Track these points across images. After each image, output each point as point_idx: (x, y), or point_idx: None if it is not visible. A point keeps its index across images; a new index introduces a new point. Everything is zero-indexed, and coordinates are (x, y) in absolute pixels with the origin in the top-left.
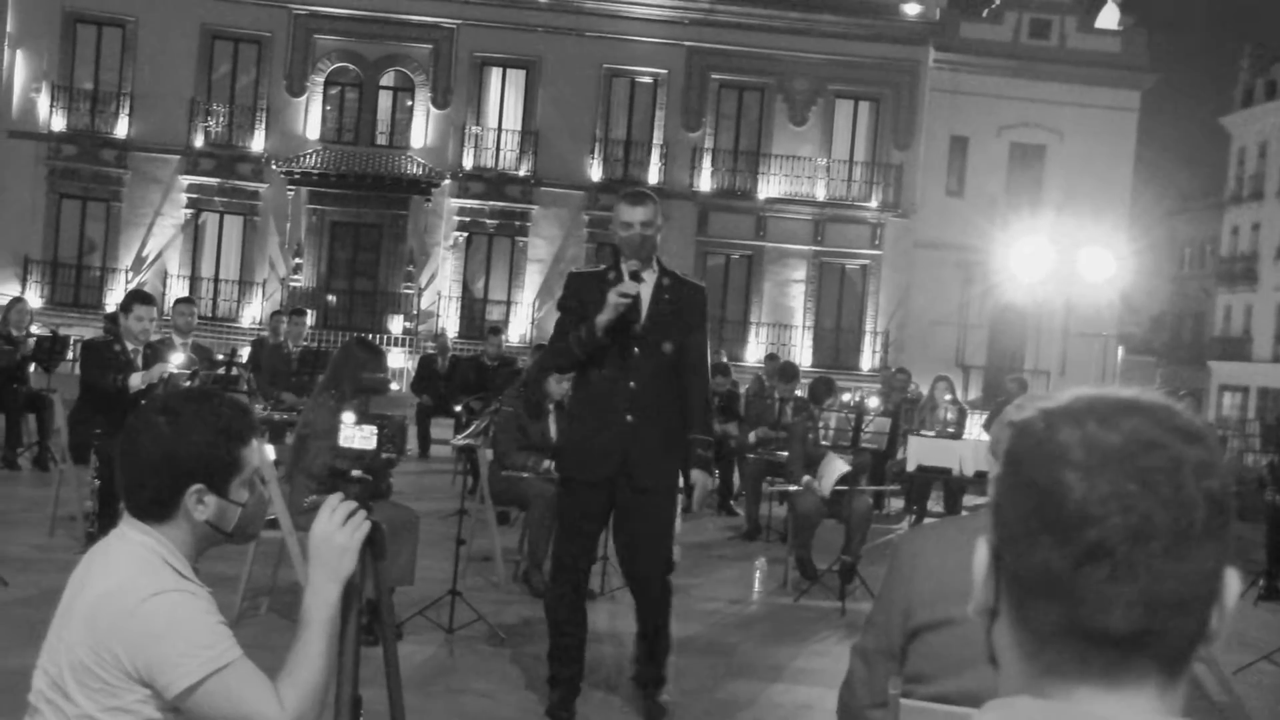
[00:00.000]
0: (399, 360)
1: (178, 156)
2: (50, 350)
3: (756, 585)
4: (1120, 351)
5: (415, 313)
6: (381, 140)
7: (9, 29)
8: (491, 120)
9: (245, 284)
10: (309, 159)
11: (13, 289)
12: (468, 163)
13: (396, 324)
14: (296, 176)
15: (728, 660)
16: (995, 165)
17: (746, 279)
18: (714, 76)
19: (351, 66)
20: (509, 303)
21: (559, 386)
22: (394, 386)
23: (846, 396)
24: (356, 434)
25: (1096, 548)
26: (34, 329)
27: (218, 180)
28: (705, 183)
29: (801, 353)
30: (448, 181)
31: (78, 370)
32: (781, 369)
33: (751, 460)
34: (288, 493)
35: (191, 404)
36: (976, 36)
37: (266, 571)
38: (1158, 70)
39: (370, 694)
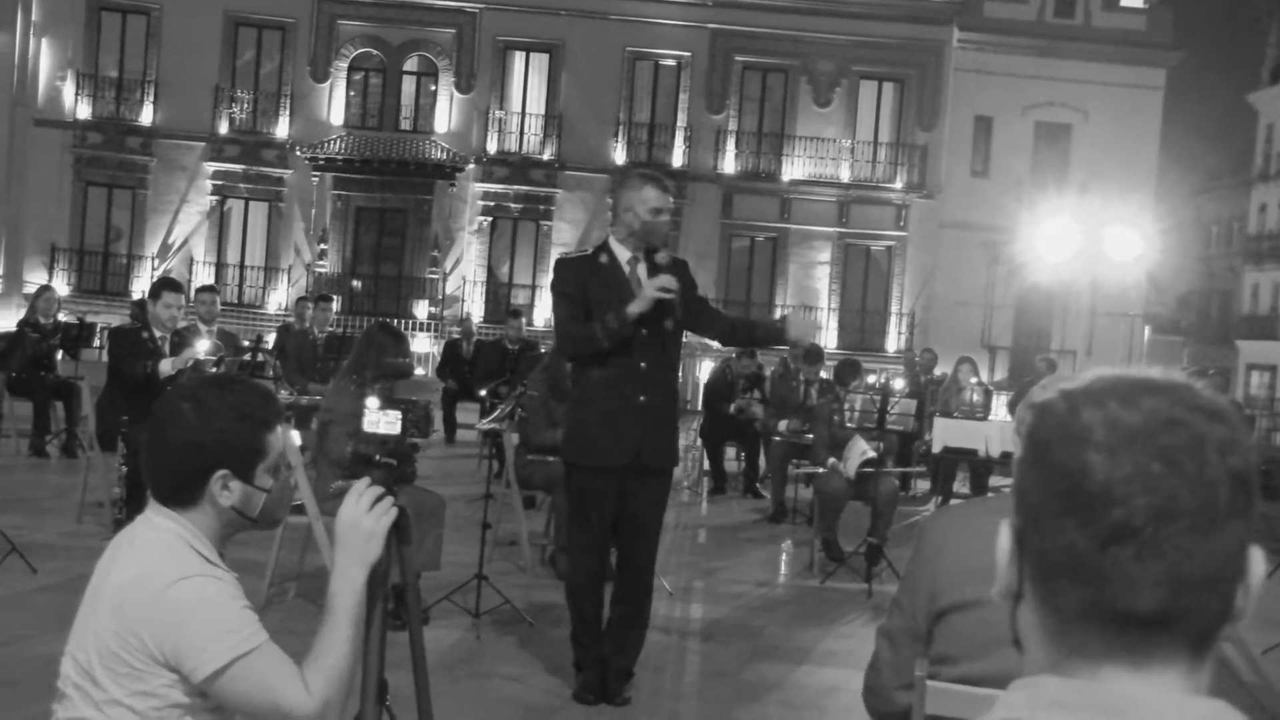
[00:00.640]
0: (424, 345)
1: (202, 143)
2: (77, 338)
3: (782, 568)
4: (1147, 331)
5: (440, 297)
6: (405, 125)
7: (34, 17)
8: (515, 104)
9: (271, 270)
10: (333, 145)
11: (40, 277)
12: (492, 147)
13: (421, 309)
14: (321, 162)
15: (754, 643)
16: (1020, 145)
17: (771, 261)
18: (738, 58)
19: (375, 52)
20: (534, 287)
21: None
22: (419, 371)
23: (872, 378)
24: (381, 419)
25: (1122, 528)
26: (61, 317)
27: (243, 167)
28: (729, 165)
29: (827, 335)
30: (472, 166)
31: (105, 357)
32: (807, 351)
33: (777, 443)
34: (313, 478)
35: (216, 390)
36: (1001, 15)
37: (293, 557)
38: (1183, 48)
39: (397, 678)
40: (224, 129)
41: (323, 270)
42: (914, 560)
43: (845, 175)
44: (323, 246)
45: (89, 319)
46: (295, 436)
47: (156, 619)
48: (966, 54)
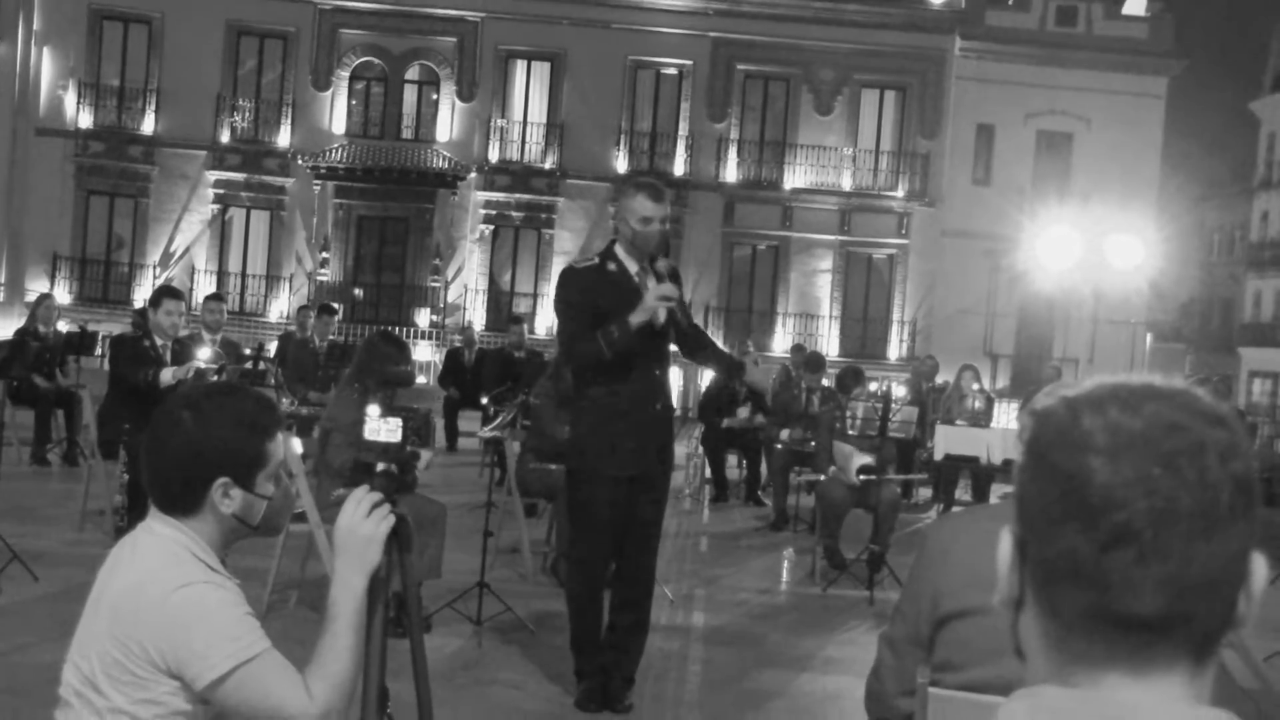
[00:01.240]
0: (426, 354)
1: (204, 152)
2: (79, 345)
3: (784, 575)
4: (1149, 339)
5: (442, 306)
6: (407, 134)
7: (36, 27)
8: (517, 113)
9: (272, 279)
10: (335, 153)
11: (42, 285)
12: (493, 156)
13: (423, 317)
14: (322, 171)
15: (756, 650)
16: (1022, 153)
17: (773, 269)
18: (739, 67)
19: (376, 61)
20: (535, 295)
21: None
22: (420, 379)
23: (874, 386)
24: (381, 427)
25: (1123, 531)
26: (61, 326)
27: (244, 175)
28: (731, 174)
29: (828, 343)
30: (473, 175)
31: (107, 366)
32: (808, 359)
33: (779, 451)
34: (314, 486)
35: (216, 398)
36: (1003, 24)
37: (294, 565)
38: (1185, 56)
39: (398, 686)
40: (226, 138)
41: (324, 279)
42: (916, 567)
43: (847, 184)
44: (324, 255)
45: (91, 327)
46: (296, 444)
47: (158, 626)
48: (968, 62)
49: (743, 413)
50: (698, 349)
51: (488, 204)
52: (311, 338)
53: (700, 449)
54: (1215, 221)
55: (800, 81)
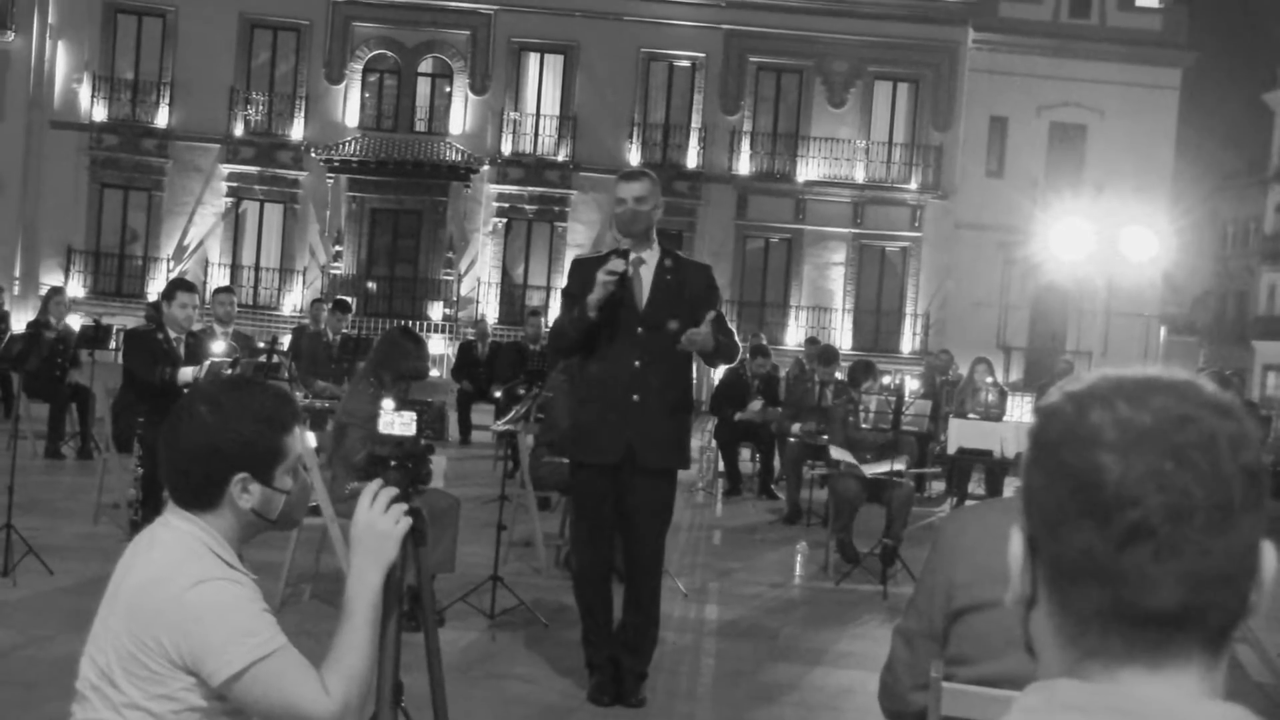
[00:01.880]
0: (439, 346)
1: (218, 145)
2: (93, 339)
3: (798, 569)
4: (1163, 332)
5: (455, 299)
6: (420, 127)
7: (51, 20)
8: (530, 105)
9: (286, 272)
10: (348, 146)
11: (56, 278)
12: (506, 148)
13: (436, 310)
14: (336, 164)
15: (769, 644)
16: (1035, 145)
17: (786, 262)
18: (752, 59)
19: (390, 53)
20: (548, 288)
21: None
22: (434, 373)
23: (887, 379)
24: (395, 420)
25: (1138, 528)
26: (72, 320)
27: (258, 169)
28: (744, 166)
29: (841, 336)
30: (486, 167)
31: (121, 359)
32: (821, 352)
33: (792, 444)
34: (329, 480)
35: (234, 392)
36: (1016, 16)
37: (309, 558)
38: (1199, 48)
39: (412, 680)
40: (239, 131)
41: (337, 272)
42: (930, 561)
43: (860, 176)
44: (338, 248)
45: (105, 321)
46: (310, 438)
47: (175, 622)
48: (981, 54)
49: (754, 405)
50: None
51: (501, 197)
52: (325, 331)
53: (713, 442)
54: (1229, 214)
55: (813, 73)
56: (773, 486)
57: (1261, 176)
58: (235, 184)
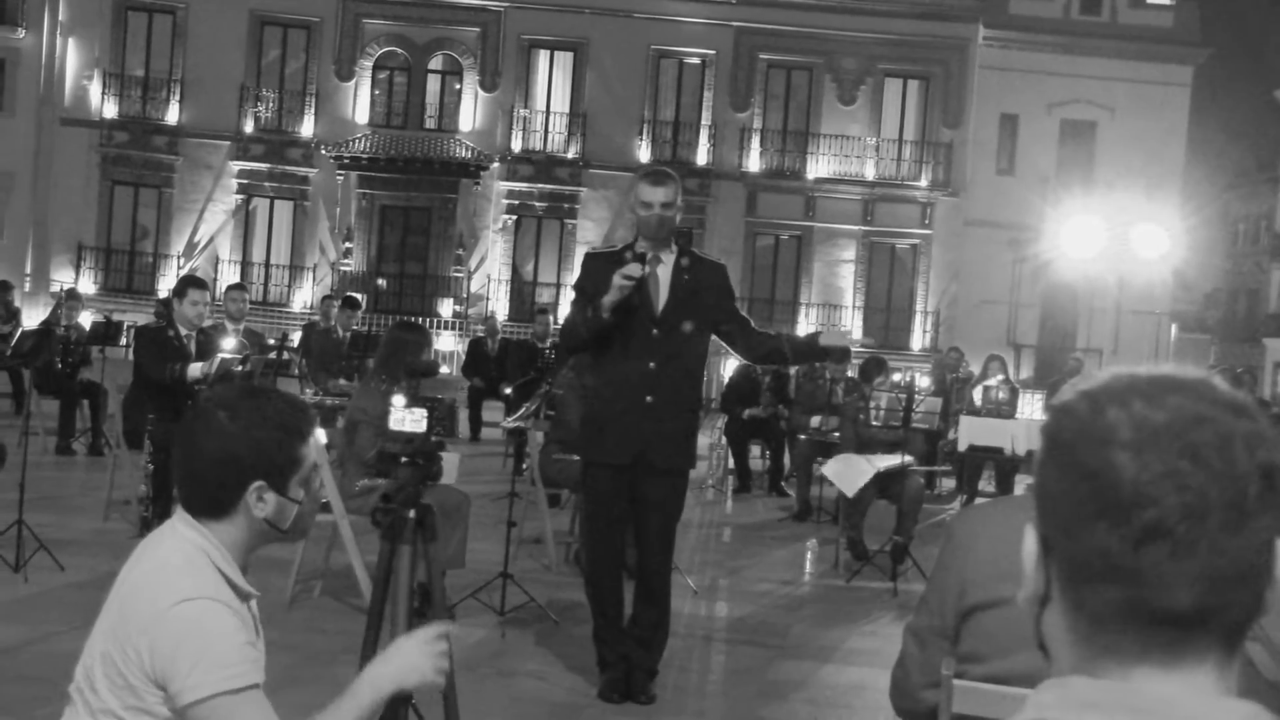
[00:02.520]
0: (449, 343)
1: (228, 142)
2: (104, 336)
3: (808, 566)
4: (1174, 329)
5: (465, 296)
6: (430, 124)
7: (61, 17)
8: (540, 103)
9: (296, 269)
10: (358, 143)
11: (67, 275)
12: (516, 145)
13: (446, 307)
14: (346, 161)
15: (780, 641)
16: (1046, 142)
17: (796, 259)
18: (762, 56)
19: (400, 50)
20: (558, 285)
21: None
22: (444, 369)
23: (897, 376)
24: (407, 417)
25: (1155, 528)
26: (84, 316)
27: (268, 165)
28: (754, 163)
29: (852, 333)
30: (496, 164)
31: (131, 356)
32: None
33: (802, 441)
34: (339, 477)
35: (251, 400)
36: (1026, 13)
37: (319, 555)
38: (1210, 45)
39: None
40: (249, 128)
41: (347, 269)
42: (942, 558)
43: (870, 173)
44: (348, 245)
45: (115, 318)
46: (320, 435)
47: (155, 634)
48: (992, 51)
49: (764, 400)
50: (766, 357)
51: (510, 194)
52: (335, 327)
53: (723, 440)
54: (1240, 211)
55: (823, 71)
56: (783, 484)
57: (1272, 174)
58: (245, 181)
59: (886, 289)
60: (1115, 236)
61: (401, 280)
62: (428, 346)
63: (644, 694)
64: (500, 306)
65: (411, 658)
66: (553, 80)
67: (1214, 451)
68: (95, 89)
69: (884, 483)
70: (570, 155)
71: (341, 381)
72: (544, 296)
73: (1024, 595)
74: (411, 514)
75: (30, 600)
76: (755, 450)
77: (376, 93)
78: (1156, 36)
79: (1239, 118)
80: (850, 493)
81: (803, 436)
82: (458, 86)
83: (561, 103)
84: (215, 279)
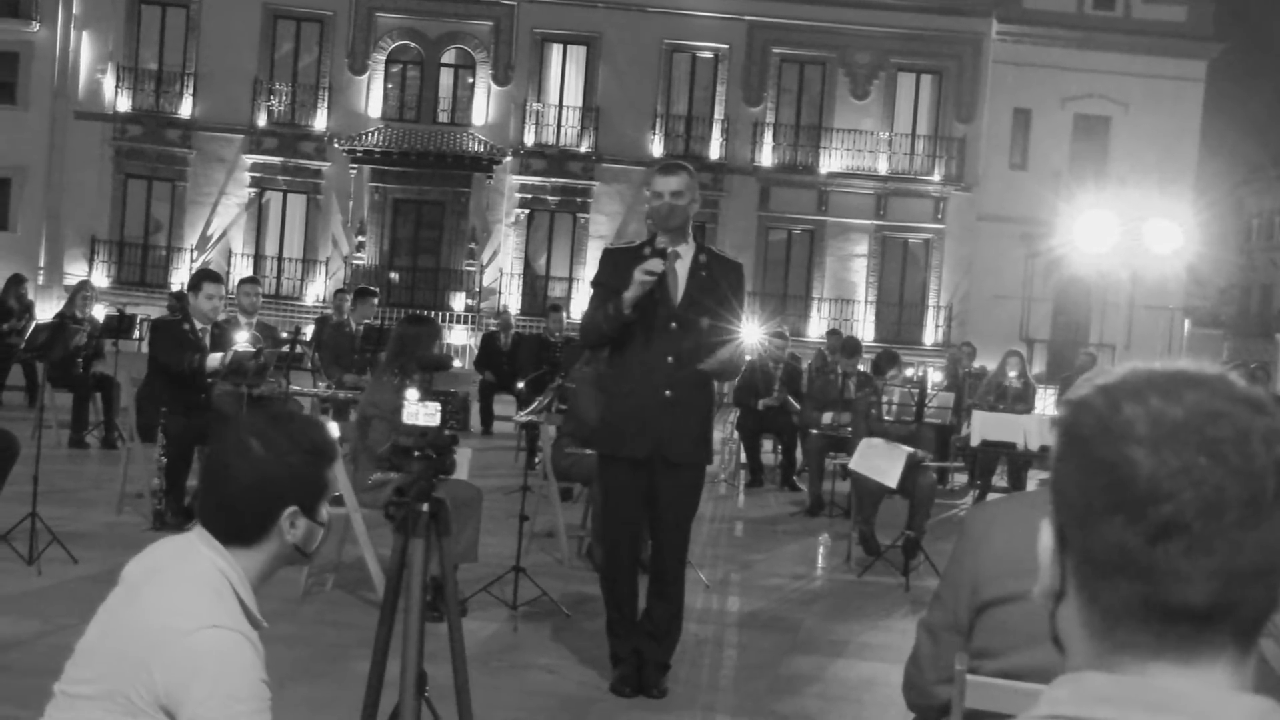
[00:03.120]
0: (461, 337)
1: (241, 136)
2: (117, 329)
3: (820, 561)
4: (1187, 324)
5: (477, 290)
6: (443, 118)
7: (75, 11)
8: (553, 97)
9: (309, 262)
10: (371, 137)
11: (80, 268)
12: (529, 139)
13: (459, 301)
14: (359, 155)
15: (791, 636)
16: (1059, 137)
17: (808, 254)
18: (775, 51)
19: (413, 44)
20: (571, 279)
21: None
22: (456, 363)
23: (910, 371)
24: (420, 411)
25: (1171, 523)
26: (98, 310)
27: (281, 159)
28: (767, 158)
29: (864, 327)
30: (509, 158)
31: (145, 349)
32: (844, 344)
33: (814, 435)
34: (352, 472)
35: (282, 425)
36: (1040, 7)
37: (332, 549)
38: (1224, 40)
39: (435, 670)
40: (262, 121)
41: (360, 262)
42: (956, 554)
43: (883, 168)
44: (360, 239)
45: (129, 311)
46: (333, 428)
47: (171, 658)
48: (1005, 46)
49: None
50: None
51: (523, 188)
52: (348, 321)
53: (735, 434)
54: (1254, 206)
55: (836, 65)
56: (795, 478)
57: None
58: (258, 174)
59: (899, 284)
60: (1128, 231)
61: (414, 274)
62: (437, 339)
63: (656, 688)
64: (513, 300)
65: None
66: (566, 74)
67: (1231, 447)
68: (109, 82)
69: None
70: (583, 149)
71: (354, 376)
72: (556, 290)
73: (1039, 590)
74: (424, 508)
75: (43, 593)
76: (767, 445)
77: (389, 86)
78: (1170, 31)
79: (1253, 112)
80: (892, 483)
81: (814, 431)
82: (470, 80)
83: (574, 97)
84: (228, 272)
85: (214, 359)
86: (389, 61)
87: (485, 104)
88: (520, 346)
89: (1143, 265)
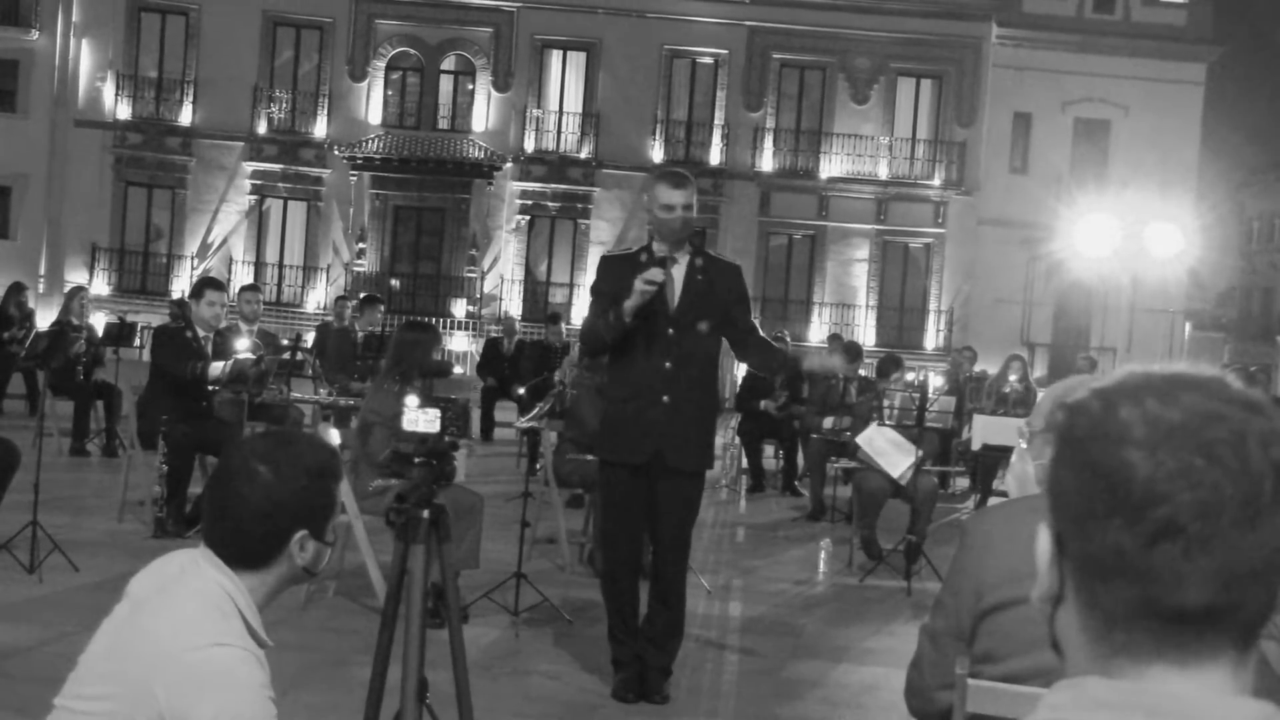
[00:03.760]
0: (462, 344)
1: (241, 143)
2: (118, 336)
3: (822, 566)
4: (1188, 327)
5: (478, 296)
6: (443, 124)
7: (75, 19)
8: (553, 103)
9: (309, 269)
10: (371, 144)
11: (81, 276)
12: (529, 146)
13: (460, 307)
14: (359, 161)
15: (794, 640)
16: (1060, 141)
17: (809, 259)
18: (775, 56)
19: (412, 51)
20: (571, 285)
21: None
22: (457, 370)
23: (911, 376)
24: (420, 417)
25: (1168, 525)
26: (97, 316)
27: (281, 166)
28: (767, 163)
29: (865, 332)
30: (509, 165)
31: (147, 356)
32: (846, 348)
33: (815, 440)
34: (353, 479)
35: (287, 448)
36: (1039, 11)
37: (334, 555)
38: (1224, 42)
39: (437, 676)
40: (263, 129)
41: (361, 269)
42: (958, 560)
43: (883, 172)
44: (361, 246)
45: (129, 318)
46: (334, 435)
47: (178, 676)
48: (1005, 50)
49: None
50: (749, 350)
51: (524, 194)
52: (350, 327)
53: (737, 439)
54: (1255, 209)
55: (836, 70)
56: (796, 483)
57: None
58: (259, 182)
59: (900, 288)
60: (1129, 235)
61: (415, 280)
62: (437, 345)
63: (658, 693)
64: (513, 307)
65: None
66: (566, 80)
67: (1228, 449)
68: (108, 90)
69: (898, 481)
70: (583, 155)
71: (360, 383)
72: (557, 297)
73: (1038, 594)
74: (425, 514)
75: (44, 601)
76: (769, 450)
77: (389, 93)
78: (1170, 34)
79: (1253, 115)
80: (896, 473)
81: (815, 436)
82: (471, 87)
83: (574, 103)
84: (229, 280)
85: (215, 367)
86: (389, 68)
87: (485, 110)
88: (522, 353)
89: (1143, 269)
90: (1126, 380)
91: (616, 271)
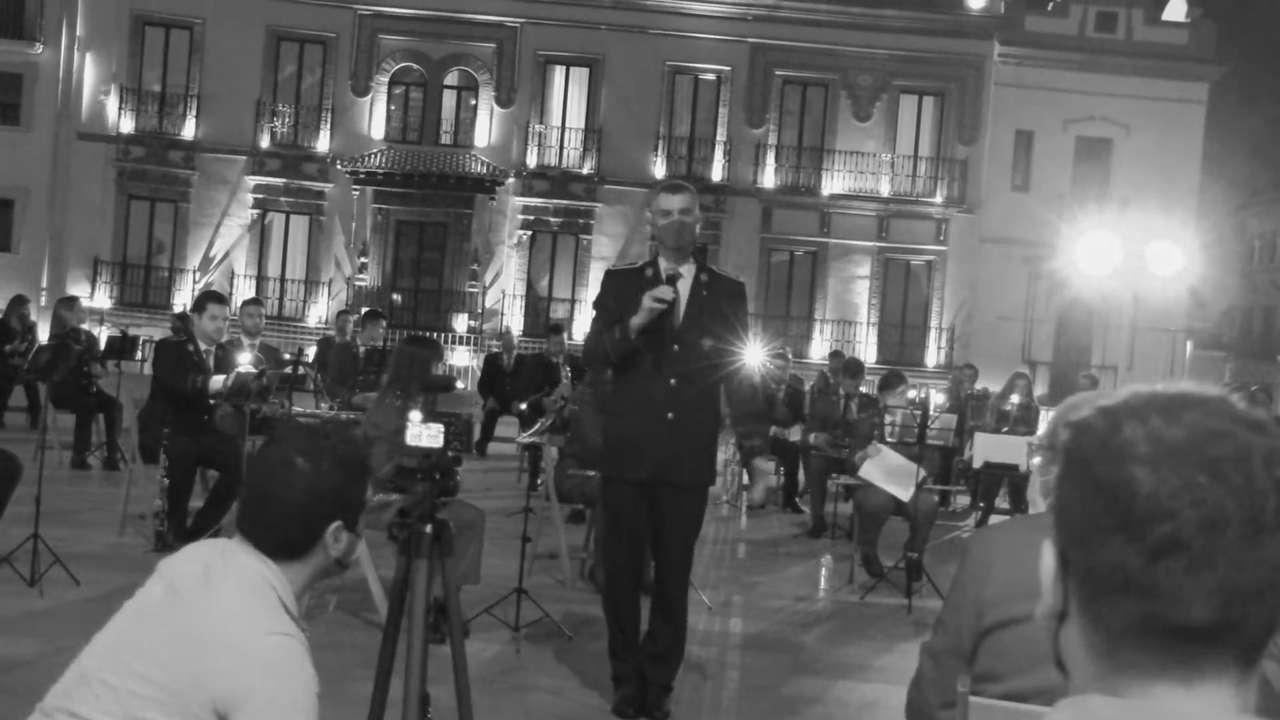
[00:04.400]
0: (464, 359)
1: (244, 157)
2: (120, 350)
3: (822, 582)
4: (1189, 346)
5: (480, 311)
6: (446, 139)
7: (79, 32)
8: (555, 118)
9: (311, 283)
10: (374, 159)
11: (83, 289)
12: (531, 161)
13: (461, 322)
14: (361, 176)
15: (794, 657)
16: (1061, 159)
17: (811, 275)
18: (777, 72)
19: (416, 66)
20: (573, 300)
21: None
22: (459, 385)
23: (912, 393)
24: (424, 432)
25: (1171, 542)
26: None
27: (284, 180)
28: (769, 179)
29: (866, 349)
30: (512, 180)
31: (149, 370)
32: (847, 365)
33: (816, 457)
34: None
35: (323, 441)
36: (1042, 30)
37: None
38: (1225, 62)
39: (438, 691)
40: (265, 143)
41: (363, 284)
42: (960, 578)
43: (885, 189)
44: (363, 260)
45: (131, 332)
46: None
47: (232, 664)
48: (1007, 68)
49: (793, 430)
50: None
51: (526, 209)
52: (352, 342)
53: (737, 456)
54: (1256, 228)
55: (838, 87)
56: (797, 500)
57: None
58: (261, 196)
59: (901, 305)
60: (1131, 253)
61: (416, 295)
62: (439, 360)
63: (659, 709)
64: (515, 322)
65: None
66: (568, 96)
67: (1232, 466)
68: (112, 104)
69: (899, 498)
70: (585, 171)
71: (361, 397)
72: (559, 312)
73: (1041, 611)
74: (428, 529)
75: (45, 614)
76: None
77: (392, 108)
78: (1172, 54)
79: (1255, 134)
80: (905, 496)
81: (814, 452)
82: (473, 102)
83: (577, 118)
84: (231, 294)
85: (217, 380)
86: (392, 83)
87: (488, 125)
88: (521, 368)
89: (1145, 287)
90: (1131, 398)
91: (621, 286)
